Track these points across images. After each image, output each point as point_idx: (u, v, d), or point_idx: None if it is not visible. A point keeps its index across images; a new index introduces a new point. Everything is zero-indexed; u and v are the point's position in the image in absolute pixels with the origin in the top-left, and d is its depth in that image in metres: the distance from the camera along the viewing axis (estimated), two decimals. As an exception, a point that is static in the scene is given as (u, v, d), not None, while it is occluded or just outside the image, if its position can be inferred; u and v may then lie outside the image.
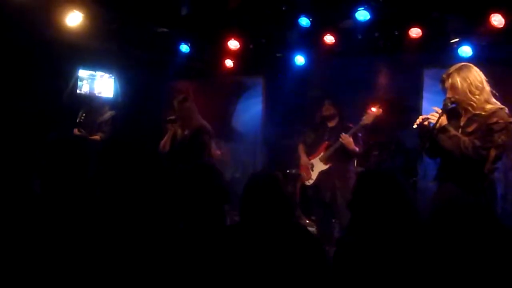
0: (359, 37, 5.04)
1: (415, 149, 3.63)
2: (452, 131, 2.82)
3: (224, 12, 4.97)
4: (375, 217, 1.93)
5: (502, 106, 2.79)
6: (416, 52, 4.90)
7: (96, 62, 5.37)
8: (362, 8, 4.55)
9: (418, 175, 4.86)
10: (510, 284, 1.66)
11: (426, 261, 1.73)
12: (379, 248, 1.87)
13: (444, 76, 2.88)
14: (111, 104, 5.27)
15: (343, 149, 4.41)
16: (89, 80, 5.26)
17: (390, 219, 1.91)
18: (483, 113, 2.76)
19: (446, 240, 1.73)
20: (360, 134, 4.51)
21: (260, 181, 2.23)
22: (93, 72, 5.29)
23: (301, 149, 4.84)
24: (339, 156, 4.46)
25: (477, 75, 2.82)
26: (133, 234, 1.97)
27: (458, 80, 2.80)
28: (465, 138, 2.76)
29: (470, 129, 2.80)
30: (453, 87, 2.82)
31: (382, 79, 5.64)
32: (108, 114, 5.11)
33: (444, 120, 2.84)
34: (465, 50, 4.62)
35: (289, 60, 5.66)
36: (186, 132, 4.48)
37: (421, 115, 2.96)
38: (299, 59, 5.59)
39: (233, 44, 5.44)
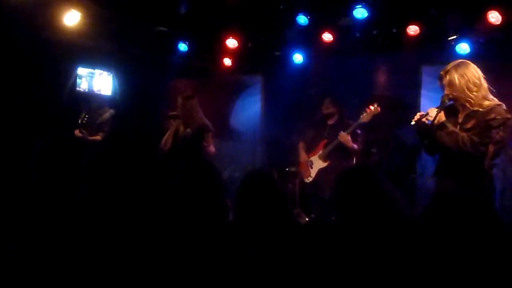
0: (357, 35, 5.06)
1: (414, 146, 3.65)
2: (451, 128, 2.83)
3: (223, 10, 4.97)
4: (357, 214, 1.95)
5: (500, 103, 2.81)
6: (414, 49, 4.92)
7: (94, 60, 5.37)
8: (360, 6, 4.56)
9: (416, 172, 4.88)
10: (507, 280, 1.67)
11: (415, 255, 1.75)
12: (364, 243, 1.90)
13: (442, 73, 2.90)
14: (110, 102, 5.28)
15: (342, 146, 4.43)
16: (88, 78, 5.27)
17: (371, 214, 1.93)
18: (481, 110, 2.78)
19: (444, 234, 1.75)
20: (359, 132, 4.54)
21: (254, 179, 2.26)
22: (91, 70, 5.29)
23: (301, 146, 4.86)
24: (338, 154, 4.48)
25: (474, 72, 2.83)
26: (131, 231, 1.98)
27: (456, 77, 2.82)
28: (464, 134, 2.78)
29: (468, 126, 2.82)
30: (451, 84, 2.84)
31: (380, 77, 5.65)
32: (107, 113, 5.11)
33: (442, 117, 2.86)
34: (463, 47, 4.64)
35: (287, 58, 5.67)
36: (188, 130, 4.49)
37: (419, 112, 2.98)
38: (298, 57, 5.60)
39: (232, 43, 5.44)
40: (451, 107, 2.93)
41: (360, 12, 4.60)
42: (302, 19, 4.89)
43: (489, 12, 4.23)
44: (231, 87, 6.27)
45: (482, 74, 2.85)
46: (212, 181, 2.25)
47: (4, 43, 4.66)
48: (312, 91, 5.77)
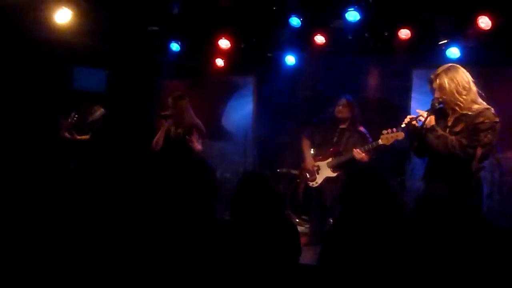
0: (349, 37, 5.09)
1: (403, 148, 3.67)
2: (440, 131, 2.87)
3: (215, 11, 4.97)
4: (362, 210, 2.02)
5: (488, 106, 2.85)
6: (405, 53, 4.95)
7: (86, 59, 5.34)
8: (352, 9, 4.58)
9: (405, 174, 4.91)
10: (494, 280, 1.69)
11: (411, 252, 1.79)
12: (365, 238, 1.95)
13: (432, 76, 2.94)
14: (102, 101, 5.25)
15: (354, 160, 4.24)
16: (80, 76, 5.25)
17: (375, 212, 2.00)
18: (470, 113, 2.82)
19: (431, 236, 1.77)
20: (370, 148, 4.24)
21: (252, 179, 2.28)
22: (83, 69, 5.27)
23: (305, 144, 4.66)
24: (348, 166, 4.25)
25: (464, 76, 2.88)
26: (124, 228, 1.97)
27: (445, 80, 2.86)
28: (452, 137, 2.82)
29: (457, 129, 2.86)
30: (441, 87, 2.87)
31: (372, 79, 5.69)
32: (98, 113, 5.09)
33: (432, 120, 2.90)
34: (453, 52, 4.69)
35: (280, 60, 5.69)
36: (179, 130, 4.48)
37: (409, 115, 3.01)
38: (290, 59, 5.61)
39: (224, 43, 5.44)
40: (441, 110, 2.96)
41: (352, 15, 4.62)
42: (294, 21, 4.91)
43: (479, 17, 4.28)
44: (223, 88, 6.27)
45: (471, 78, 2.89)
46: (207, 179, 2.27)
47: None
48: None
